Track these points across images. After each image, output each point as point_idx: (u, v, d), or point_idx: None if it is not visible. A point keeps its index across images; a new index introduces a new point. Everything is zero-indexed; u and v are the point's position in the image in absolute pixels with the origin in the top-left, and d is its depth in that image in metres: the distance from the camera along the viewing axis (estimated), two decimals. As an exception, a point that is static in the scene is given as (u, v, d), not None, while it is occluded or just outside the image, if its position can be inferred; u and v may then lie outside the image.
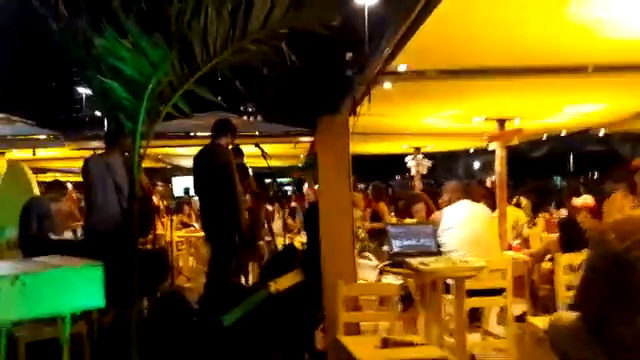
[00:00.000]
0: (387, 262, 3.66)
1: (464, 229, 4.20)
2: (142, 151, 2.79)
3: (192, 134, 8.44)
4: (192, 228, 9.69)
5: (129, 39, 2.47)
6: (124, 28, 2.33)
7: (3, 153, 8.62)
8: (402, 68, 4.16)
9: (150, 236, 6.25)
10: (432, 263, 3.32)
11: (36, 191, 7.70)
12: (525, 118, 6.48)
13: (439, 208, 5.72)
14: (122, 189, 5.09)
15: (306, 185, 9.88)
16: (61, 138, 8.25)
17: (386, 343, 2.79)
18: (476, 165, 36.16)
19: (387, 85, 4.60)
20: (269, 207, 11.50)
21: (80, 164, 10.70)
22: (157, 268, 4.97)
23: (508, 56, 4.19)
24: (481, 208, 4.44)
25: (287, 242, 5.54)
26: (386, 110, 5.30)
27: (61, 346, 3.55)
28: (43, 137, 8.39)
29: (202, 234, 8.83)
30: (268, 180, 10.07)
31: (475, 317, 4.21)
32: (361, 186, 11.64)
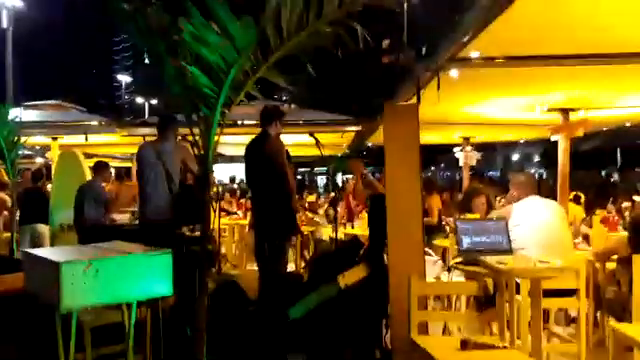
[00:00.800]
0: (457, 259, 3.51)
1: (536, 226, 3.98)
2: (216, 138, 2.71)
3: (239, 122, 8.44)
4: (235, 216, 9.69)
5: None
6: (212, 12, 2.24)
7: (56, 138, 8.82)
8: (474, 55, 3.99)
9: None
10: (509, 262, 3.15)
11: (88, 176, 7.82)
12: (590, 109, 6.20)
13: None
14: (172, 176, 5.08)
15: (346, 176, 9.65)
16: (113, 125, 8.38)
17: (466, 345, 2.66)
18: (515, 157, 35.23)
19: (454, 72, 4.44)
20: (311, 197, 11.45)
21: (128, 150, 10.94)
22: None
23: (582, 43, 3.97)
24: (553, 204, 4.21)
25: (332, 233, 5.44)
26: (447, 97, 5.11)
27: (124, 331, 3.58)
28: (95, 123, 8.53)
29: (245, 222, 8.91)
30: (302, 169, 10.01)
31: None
32: None
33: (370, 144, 11.75)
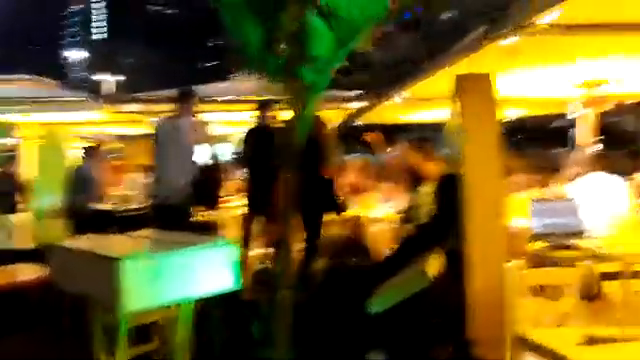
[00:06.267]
0: (541, 243, 3.24)
1: (601, 206, 3.77)
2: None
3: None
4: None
5: None
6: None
7: (29, 117, 8.02)
8: (548, 19, 3.66)
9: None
10: (607, 246, 2.92)
11: (69, 158, 7.19)
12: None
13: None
14: (189, 155, 4.68)
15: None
16: (99, 100, 7.71)
17: (591, 339, 2.41)
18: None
19: (511, 40, 4.10)
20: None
21: (118, 127, 10.17)
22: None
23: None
24: (618, 182, 4.01)
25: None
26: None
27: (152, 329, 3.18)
28: (78, 99, 7.81)
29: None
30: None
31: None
32: None
33: (360, 123, 11.33)
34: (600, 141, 5.93)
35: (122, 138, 11.32)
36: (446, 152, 4.01)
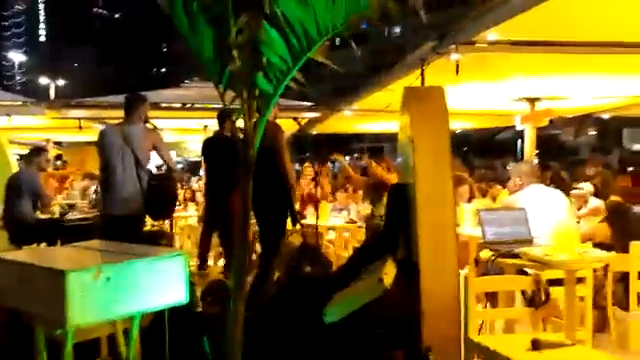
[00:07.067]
0: (495, 252, 3.33)
1: (543, 216, 3.94)
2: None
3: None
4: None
5: None
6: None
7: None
8: (492, 37, 3.83)
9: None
10: (552, 254, 3.04)
11: (13, 164, 6.84)
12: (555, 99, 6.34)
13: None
14: (142, 162, 4.53)
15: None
16: (42, 105, 7.39)
17: (538, 345, 2.50)
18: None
19: (454, 57, 4.26)
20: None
21: (61, 134, 9.73)
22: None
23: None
24: (558, 194, 4.21)
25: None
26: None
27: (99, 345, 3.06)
28: (19, 104, 7.47)
29: (195, 215, 8.30)
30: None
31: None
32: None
33: (315, 132, 11.44)
34: (540, 154, 6.21)
35: (61, 145, 10.91)
36: (398, 162, 4.08)
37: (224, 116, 5.71)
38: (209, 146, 5.70)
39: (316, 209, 5.85)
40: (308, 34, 1.97)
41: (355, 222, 6.43)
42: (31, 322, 2.74)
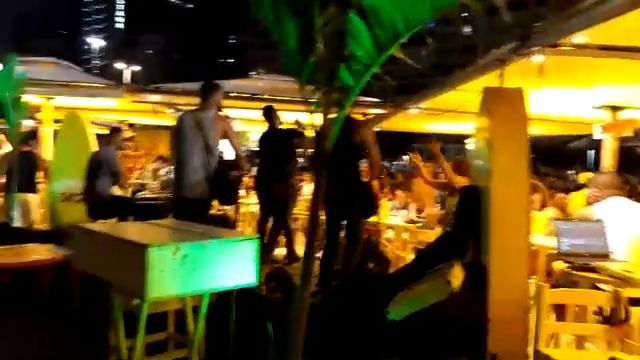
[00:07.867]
0: (570, 264, 3.20)
1: (621, 230, 3.73)
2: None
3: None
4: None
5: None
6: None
7: (50, 99, 8.06)
8: (578, 40, 3.66)
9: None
10: (636, 271, 2.88)
11: (92, 143, 7.20)
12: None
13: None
14: (212, 148, 4.65)
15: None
16: (121, 88, 7.75)
17: (614, 363, 2.39)
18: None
19: (537, 58, 4.10)
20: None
21: (134, 116, 10.16)
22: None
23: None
24: (638, 208, 3.98)
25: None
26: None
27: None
28: (100, 85, 7.86)
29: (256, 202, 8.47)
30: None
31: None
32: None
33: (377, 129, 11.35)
34: (617, 166, 5.89)
35: (134, 127, 11.37)
36: (472, 164, 3.99)
37: (270, 111, 5.94)
38: (263, 138, 6.05)
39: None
40: (395, 27, 1.94)
41: (415, 222, 6.37)
42: (108, 291, 2.89)
